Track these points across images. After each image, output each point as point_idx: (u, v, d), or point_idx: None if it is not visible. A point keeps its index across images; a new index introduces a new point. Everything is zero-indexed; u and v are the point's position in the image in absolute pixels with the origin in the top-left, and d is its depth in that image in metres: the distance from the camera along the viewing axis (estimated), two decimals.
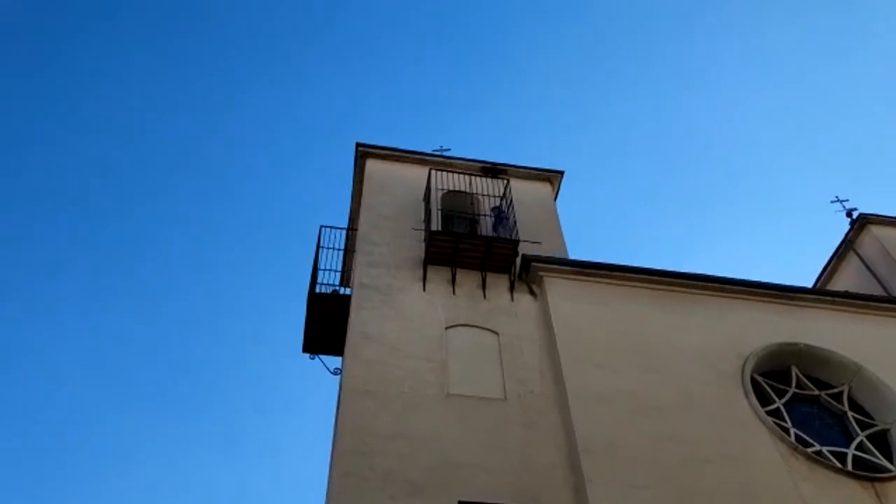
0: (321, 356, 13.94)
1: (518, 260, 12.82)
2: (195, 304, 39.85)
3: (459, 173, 14.91)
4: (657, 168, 45.30)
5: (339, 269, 15.07)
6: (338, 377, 13.84)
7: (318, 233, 14.12)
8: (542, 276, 12.58)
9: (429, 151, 16.40)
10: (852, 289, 15.98)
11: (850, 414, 11.72)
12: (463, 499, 9.05)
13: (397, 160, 15.96)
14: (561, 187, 16.47)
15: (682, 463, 9.82)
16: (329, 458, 12.16)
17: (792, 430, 11.10)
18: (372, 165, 15.70)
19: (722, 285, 13.02)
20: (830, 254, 17.69)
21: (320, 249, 13.99)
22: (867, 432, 11.46)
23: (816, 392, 12.01)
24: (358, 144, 15.89)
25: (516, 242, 12.69)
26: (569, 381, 10.68)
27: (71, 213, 39.30)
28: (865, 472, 10.55)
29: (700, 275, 13.15)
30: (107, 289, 38.67)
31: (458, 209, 14.78)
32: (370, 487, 8.94)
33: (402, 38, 46.72)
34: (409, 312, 11.79)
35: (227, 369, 39.80)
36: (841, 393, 12.03)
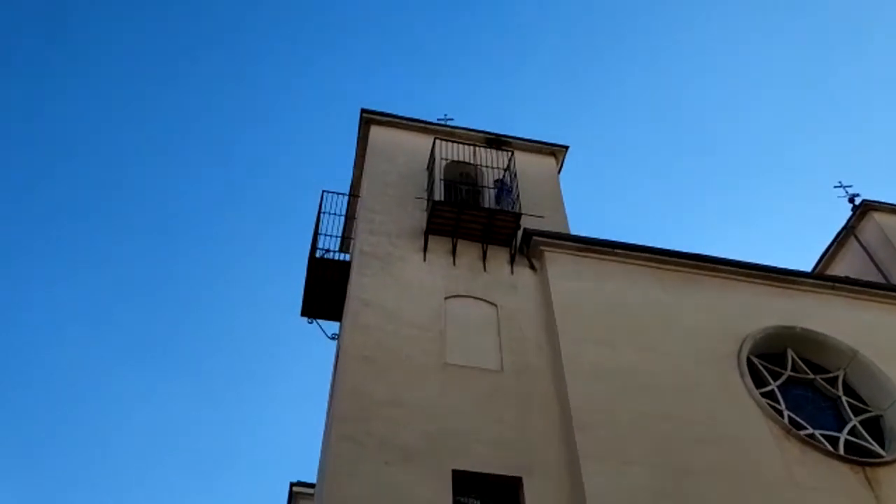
0: (319, 321, 13.97)
1: (519, 233, 12.77)
2: (196, 265, 39.90)
3: (463, 143, 14.79)
4: (663, 148, 45.12)
5: (340, 234, 15.04)
6: (335, 342, 13.90)
7: (320, 197, 14.09)
8: (542, 251, 12.55)
9: (433, 120, 16.27)
10: (852, 275, 15.98)
11: (843, 399, 11.77)
12: (457, 468, 9.11)
13: (401, 128, 15.82)
14: (565, 162, 16.38)
15: (676, 441, 9.87)
16: (324, 422, 12.27)
17: (785, 413, 11.15)
18: (376, 132, 15.57)
19: (722, 266, 13.00)
20: (831, 239, 17.66)
21: (322, 215, 13.93)
22: (860, 417, 11.52)
23: (811, 376, 12.05)
24: (363, 110, 15.76)
25: (518, 216, 12.63)
26: (565, 356, 10.69)
27: (72, 173, 39.03)
28: (857, 456, 10.63)
29: (701, 255, 13.13)
30: (111, 250, 38.61)
31: (461, 180, 14.69)
32: (366, 452, 8.98)
33: (411, 6, 46.13)
34: (408, 281, 11.77)
35: (225, 328, 39.97)
36: (836, 377, 12.07)
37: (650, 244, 13.08)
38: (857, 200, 17.35)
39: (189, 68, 42.53)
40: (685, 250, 13.14)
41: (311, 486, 15.79)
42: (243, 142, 43.71)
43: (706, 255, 13.13)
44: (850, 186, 17.77)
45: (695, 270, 12.85)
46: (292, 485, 16.60)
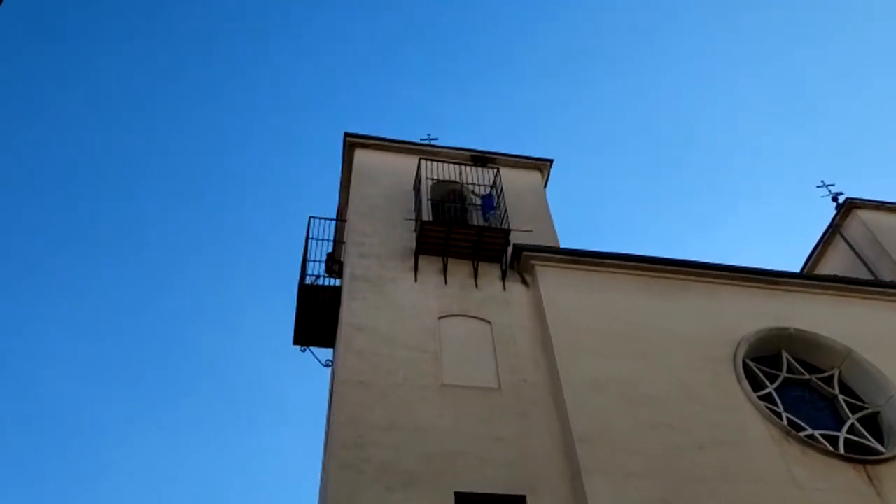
0: (312, 348, 13.92)
1: (509, 249, 12.80)
2: (182, 297, 39.50)
3: (449, 162, 14.83)
4: (645, 156, 45.38)
5: (329, 260, 14.98)
6: (329, 369, 13.81)
7: (307, 223, 14.06)
8: (533, 265, 12.58)
9: (417, 140, 16.36)
10: (840, 273, 16.10)
11: (840, 397, 11.81)
12: (459, 489, 9.04)
13: (386, 150, 15.89)
14: (550, 176, 16.47)
15: (677, 449, 9.86)
16: (322, 451, 12.16)
17: (784, 415, 11.17)
18: (360, 155, 15.62)
19: (711, 271, 13.06)
20: (817, 239, 17.79)
21: (310, 241, 13.91)
22: (858, 415, 11.55)
23: (807, 376, 12.09)
24: (346, 134, 15.81)
25: (507, 231, 12.68)
26: (562, 370, 10.70)
27: (52, 203, 38.74)
28: (857, 454, 10.64)
29: (690, 261, 13.20)
30: (90, 280, 38.23)
31: (448, 198, 14.72)
32: (366, 479, 8.91)
33: (390, 28, 46.42)
34: (401, 303, 11.76)
35: (215, 362, 39.55)
36: (831, 376, 12.11)
37: (639, 252, 13.26)
38: (841, 199, 17.50)
39: (164, 91, 42.43)
40: (673, 257, 13.25)
41: None
42: (223, 170, 43.55)
43: (695, 262, 13.20)
44: (832, 185, 17.93)
45: (684, 277, 12.91)
46: None
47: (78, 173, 39.58)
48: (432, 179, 14.28)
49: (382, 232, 13.34)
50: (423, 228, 12.53)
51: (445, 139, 16.74)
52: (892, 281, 14.49)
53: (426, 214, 13.45)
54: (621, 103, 45.77)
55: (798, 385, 12.01)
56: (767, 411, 10.87)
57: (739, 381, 11.19)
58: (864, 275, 15.81)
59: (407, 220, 13.60)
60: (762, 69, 44.21)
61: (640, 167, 45.37)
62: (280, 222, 41.41)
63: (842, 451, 10.68)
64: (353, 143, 15.80)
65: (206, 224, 41.92)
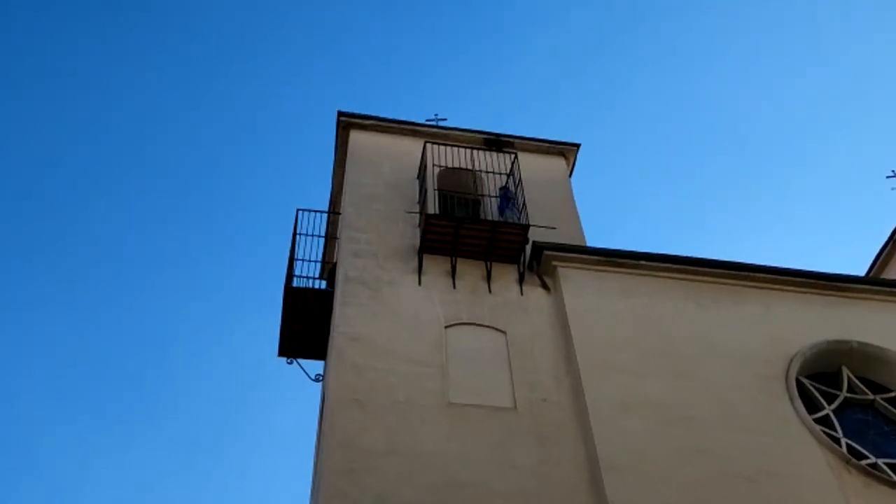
0: (300, 360, 14.03)
1: (528, 248, 12.88)
2: (151, 304, 39.63)
3: (459, 146, 14.92)
4: (689, 143, 45.03)
5: (320, 259, 15.10)
6: (320, 384, 13.92)
7: (294, 217, 14.17)
8: (555, 267, 12.65)
9: (422, 122, 16.42)
10: None
11: None
12: None
13: (386, 132, 15.96)
14: (577, 163, 16.52)
15: (719, 481, 9.94)
16: (312, 478, 12.29)
17: (843, 441, 11.24)
18: (356, 138, 15.69)
19: (763, 275, 13.11)
20: (886, 238, 17.80)
21: (297, 237, 14.02)
22: None
23: (871, 396, 12.14)
24: (340, 113, 15.88)
25: (526, 227, 12.74)
26: (588, 388, 10.79)
27: (18, 206, 38.92)
28: None
29: (738, 263, 13.26)
30: (56, 287, 38.42)
31: (457, 189, 14.81)
32: None
33: None
34: (402, 309, 11.86)
35: (189, 377, 39.74)
36: None
37: (678, 254, 13.23)
38: None
39: (127, 66, 42.51)
40: (719, 258, 13.30)
41: None
42: (196, 157, 43.66)
43: (744, 264, 13.26)
44: None
45: (732, 282, 12.97)
46: None
47: (23, 167, 39.83)
48: (439, 166, 14.36)
49: (381, 227, 13.41)
50: (428, 223, 12.62)
51: (455, 120, 16.86)
52: None
53: (432, 207, 13.55)
54: (662, 85, 45.51)
55: (860, 406, 12.06)
56: (824, 437, 10.92)
57: (792, 401, 11.25)
58: None
59: (409, 213, 13.69)
60: (824, 51, 43.90)
61: (682, 155, 45.16)
62: (263, 216, 41.58)
63: None
64: (347, 123, 15.86)
65: (179, 219, 42.03)
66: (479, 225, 12.82)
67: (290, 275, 13.66)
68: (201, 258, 41.44)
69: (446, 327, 11.72)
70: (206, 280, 40.84)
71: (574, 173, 16.49)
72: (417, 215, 13.56)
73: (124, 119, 41.54)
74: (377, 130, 15.95)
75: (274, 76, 45.52)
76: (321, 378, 13.90)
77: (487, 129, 16.22)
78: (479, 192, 14.68)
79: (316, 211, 14.37)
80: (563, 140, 16.57)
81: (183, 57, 43.46)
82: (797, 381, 11.72)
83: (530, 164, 15.39)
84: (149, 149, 41.73)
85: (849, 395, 12.11)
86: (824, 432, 11.08)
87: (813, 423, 11.10)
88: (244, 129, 43.98)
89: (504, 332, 11.79)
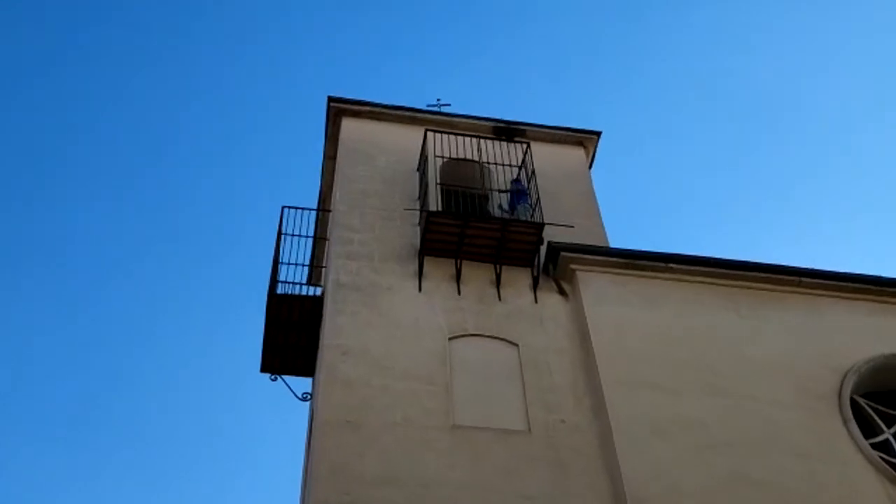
0: (285, 377, 14.00)
1: (543, 249, 12.83)
2: (119, 313, 39.60)
3: (464, 135, 14.84)
4: (724, 131, 44.80)
5: (308, 262, 15.04)
6: (308, 404, 13.86)
7: (279, 215, 14.15)
8: (574, 270, 12.62)
9: (422, 108, 16.40)
10: None
11: None
12: None
13: (382, 119, 15.97)
14: (597, 153, 16.50)
15: None
16: None
17: None
18: (349, 126, 15.69)
19: (813, 280, 13.06)
20: None
21: (283, 237, 13.99)
22: None
23: None
24: (330, 99, 15.88)
25: (540, 226, 12.70)
26: (612, 408, 10.76)
27: None
28: None
29: (782, 266, 13.22)
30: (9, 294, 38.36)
31: (462, 183, 14.74)
32: None
33: None
34: (400, 319, 11.85)
35: (161, 396, 39.60)
36: None
37: (713, 255, 13.18)
38: None
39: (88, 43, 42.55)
40: (759, 261, 13.23)
41: None
42: (169, 147, 43.63)
43: (789, 267, 13.22)
44: None
45: (775, 287, 12.93)
46: None
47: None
48: (442, 158, 14.31)
49: (377, 226, 13.40)
50: (429, 221, 12.58)
51: (459, 106, 16.76)
52: None
53: (434, 203, 13.47)
54: (693, 58, 45.40)
55: None
56: (882, 463, 10.84)
57: (846, 423, 11.19)
58: None
59: (408, 210, 13.66)
60: (878, 26, 43.54)
61: (717, 144, 44.95)
62: (244, 214, 41.53)
63: None
64: (338, 110, 15.87)
65: (146, 217, 41.98)
66: (488, 223, 12.78)
67: (274, 280, 13.62)
68: (173, 262, 41.39)
69: (450, 339, 11.70)
70: (178, 287, 40.67)
71: (594, 165, 16.51)
72: (417, 212, 13.53)
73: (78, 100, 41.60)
74: (372, 118, 15.94)
75: (256, 57, 45.54)
76: (309, 397, 13.87)
77: (496, 116, 16.23)
78: (488, 187, 14.60)
79: (303, 209, 14.38)
80: (582, 127, 16.53)
81: (149, 34, 43.55)
82: (851, 400, 11.65)
83: (545, 155, 15.31)
84: (105, 131, 41.80)
85: None
86: (882, 458, 11.00)
87: (870, 448, 11.02)
88: (222, 117, 44.02)
89: (516, 345, 11.76)
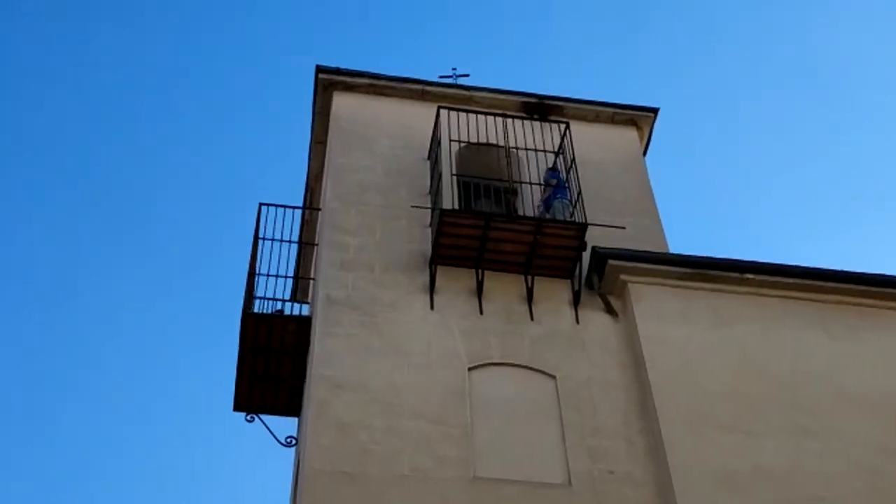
0: (263, 416, 14.03)
1: (586, 255, 12.79)
2: (62, 337, 39.71)
3: (486, 114, 14.75)
4: (810, 112, 44.64)
5: (292, 273, 15.01)
6: (293, 450, 13.82)
7: (256, 215, 14.19)
8: (626, 282, 12.63)
9: (434, 79, 16.41)
10: None
11: None
12: None
13: (383, 94, 15.98)
14: (653, 137, 16.45)
15: None
16: None
17: None
18: (342, 103, 15.69)
19: None
20: None
21: (260, 242, 14.02)
22: None
23: None
24: (319, 69, 15.83)
25: (583, 227, 12.65)
26: (673, 455, 10.75)
27: None
28: None
29: (883, 277, 13.19)
30: None
31: (484, 174, 14.71)
32: None
33: None
34: (407, 344, 11.85)
35: (118, 438, 39.63)
36: None
37: (797, 264, 13.18)
38: None
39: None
40: (854, 270, 13.21)
41: None
42: (125, 132, 43.71)
43: (892, 277, 13.16)
44: None
45: (879, 302, 12.94)
46: None
47: None
48: (459, 142, 14.23)
49: (378, 227, 13.40)
50: (443, 222, 12.54)
51: (480, 77, 16.75)
52: None
53: (449, 199, 13.41)
54: (770, 20, 45.21)
55: None
56: None
57: None
58: None
59: (417, 208, 13.61)
60: None
61: (801, 127, 44.82)
62: (212, 212, 41.54)
63: None
64: (329, 82, 15.84)
65: (92, 213, 42.10)
66: (517, 224, 12.78)
67: (249, 296, 13.68)
68: (123, 271, 41.46)
69: (470, 369, 11.69)
70: (132, 304, 40.75)
71: (649, 150, 16.43)
72: (428, 211, 13.50)
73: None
74: (371, 92, 15.93)
75: (224, 15, 45.64)
76: (294, 441, 13.84)
77: (526, 90, 16.18)
78: (516, 178, 14.49)
79: (286, 206, 14.43)
80: (635, 104, 16.50)
81: None
82: None
83: (588, 138, 15.26)
84: (70, 126, 42.04)
85: None
86: None
87: None
88: (184, 93, 44.13)
89: (553, 377, 11.76)
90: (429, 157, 14.39)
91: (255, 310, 13.56)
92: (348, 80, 15.93)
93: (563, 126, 14.36)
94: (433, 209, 13.31)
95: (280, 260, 14.13)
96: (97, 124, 42.81)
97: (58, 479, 38.87)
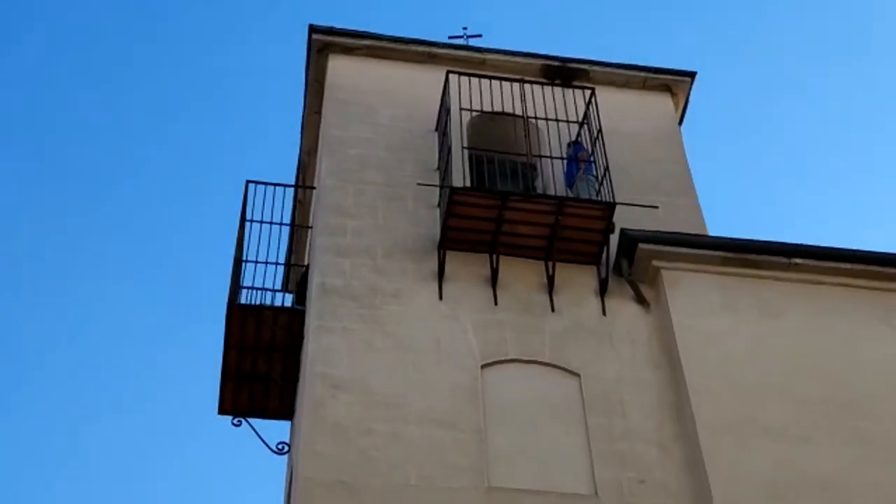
0: (252, 420, 14.05)
1: (614, 239, 12.80)
2: (30, 338, 39.84)
3: (501, 79, 14.74)
4: (866, 77, 44.45)
5: (283, 260, 15.04)
6: (285, 457, 13.89)
7: (242, 194, 14.22)
8: (659, 269, 12.66)
9: (443, 41, 16.46)
10: None
11: None
12: None
13: (386, 57, 16.04)
14: (689, 105, 16.43)
15: None
16: None
17: None
18: (339, 67, 15.74)
19: None
20: None
21: (247, 224, 14.04)
22: None
23: None
24: (312, 29, 15.87)
25: (611, 207, 12.67)
26: (712, 462, 10.74)
27: None
28: None
29: None
30: None
31: (499, 147, 14.71)
32: None
33: None
34: (413, 339, 11.89)
35: (91, 442, 39.82)
36: None
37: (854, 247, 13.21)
38: None
39: None
40: None
41: None
42: (99, 103, 43.82)
43: None
44: None
45: None
46: None
47: None
48: (471, 111, 14.22)
49: (379, 208, 13.45)
50: (454, 202, 12.58)
51: (493, 38, 16.72)
52: None
53: (459, 176, 13.39)
54: None
55: None
56: None
57: None
58: None
59: (424, 186, 13.61)
60: None
61: (856, 98, 44.56)
62: (195, 191, 41.59)
63: None
64: (324, 44, 15.89)
65: (66, 192, 42.17)
66: (536, 203, 12.82)
67: (235, 285, 13.71)
68: (98, 257, 41.55)
69: (483, 367, 11.72)
70: (103, 295, 40.88)
71: (685, 120, 16.41)
72: (437, 189, 13.49)
73: None
74: (371, 55, 15.99)
75: None
76: (286, 448, 13.87)
77: (546, 52, 16.21)
78: (535, 152, 14.50)
79: (276, 184, 14.41)
80: (668, 67, 16.51)
81: None
82: None
83: (617, 107, 15.27)
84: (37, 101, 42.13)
85: None
86: None
87: None
88: (161, 57, 44.14)
89: (577, 375, 11.78)
90: (437, 129, 14.42)
91: (242, 301, 13.59)
92: (346, 41, 15.97)
93: (588, 93, 14.27)
94: (441, 187, 13.30)
95: (270, 245, 14.17)
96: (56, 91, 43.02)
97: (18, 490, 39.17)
